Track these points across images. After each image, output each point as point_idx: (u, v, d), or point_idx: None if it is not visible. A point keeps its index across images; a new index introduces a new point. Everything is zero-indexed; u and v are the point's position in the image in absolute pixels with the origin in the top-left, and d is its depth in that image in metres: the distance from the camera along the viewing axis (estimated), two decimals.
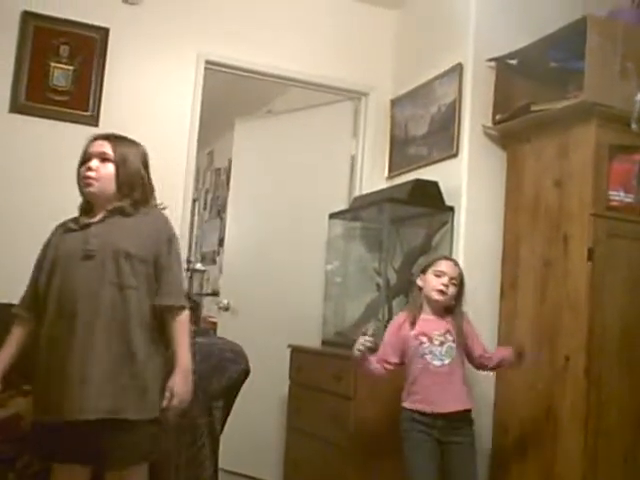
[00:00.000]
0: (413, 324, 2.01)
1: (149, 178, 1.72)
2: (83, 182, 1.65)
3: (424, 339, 1.99)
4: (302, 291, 3.10)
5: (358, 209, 2.90)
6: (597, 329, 2.11)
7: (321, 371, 2.53)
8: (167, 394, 1.57)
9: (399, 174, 2.94)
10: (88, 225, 1.64)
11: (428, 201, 2.60)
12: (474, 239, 2.50)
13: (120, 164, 1.65)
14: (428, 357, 1.98)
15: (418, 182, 2.61)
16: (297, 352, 2.77)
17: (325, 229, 3.01)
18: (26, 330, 1.67)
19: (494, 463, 2.41)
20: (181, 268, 1.73)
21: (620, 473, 2.12)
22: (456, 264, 2.08)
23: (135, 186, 1.66)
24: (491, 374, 2.37)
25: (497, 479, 2.38)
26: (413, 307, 2.06)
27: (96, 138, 1.70)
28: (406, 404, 2.01)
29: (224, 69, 2.96)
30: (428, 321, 2.02)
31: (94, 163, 1.64)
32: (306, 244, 3.12)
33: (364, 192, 3.03)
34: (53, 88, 2.62)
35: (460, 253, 2.51)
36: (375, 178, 3.06)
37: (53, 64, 2.62)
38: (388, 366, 2.03)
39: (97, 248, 1.59)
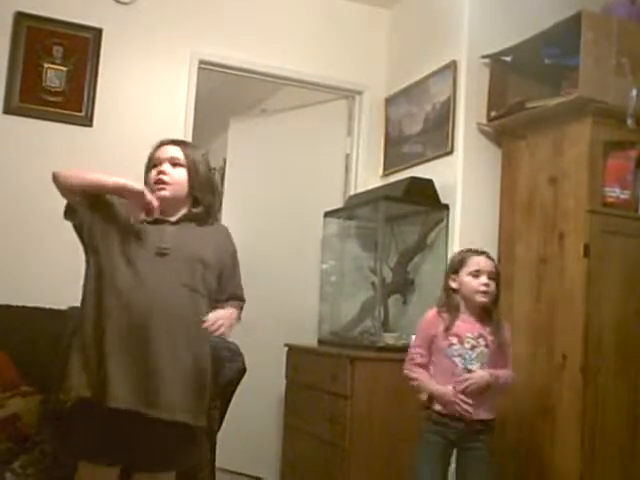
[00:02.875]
0: (448, 329, 1.86)
1: (216, 182, 1.76)
2: (156, 187, 1.64)
3: (454, 340, 1.86)
4: (298, 290, 3.09)
5: (353, 207, 2.90)
6: (593, 326, 2.11)
7: (317, 370, 2.53)
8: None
9: (394, 172, 2.94)
10: (163, 222, 1.64)
11: (423, 199, 2.60)
12: (469, 237, 2.50)
13: (192, 169, 1.67)
14: (457, 359, 1.85)
15: (413, 180, 2.60)
16: (293, 351, 2.77)
17: (320, 228, 3.00)
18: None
19: (491, 462, 2.40)
20: (240, 280, 1.81)
21: (617, 471, 2.11)
22: (489, 257, 1.93)
23: (207, 191, 1.69)
24: None
25: (494, 478, 2.38)
26: (449, 308, 1.89)
27: (164, 143, 1.71)
28: (429, 403, 1.91)
29: (218, 69, 2.95)
30: (463, 322, 1.88)
31: (166, 167, 1.65)
32: (301, 243, 3.12)
33: (359, 190, 3.03)
34: (47, 89, 2.61)
35: (455, 251, 2.49)
36: (370, 176, 3.06)
37: (46, 65, 2.61)
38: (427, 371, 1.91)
39: (171, 248, 1.59)
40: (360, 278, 2.89)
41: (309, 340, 2.86)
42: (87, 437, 1.52)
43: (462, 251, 1.98)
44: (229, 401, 2.11)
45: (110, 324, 1.52)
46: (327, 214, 2.99)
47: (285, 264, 3.14)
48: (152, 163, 1.69)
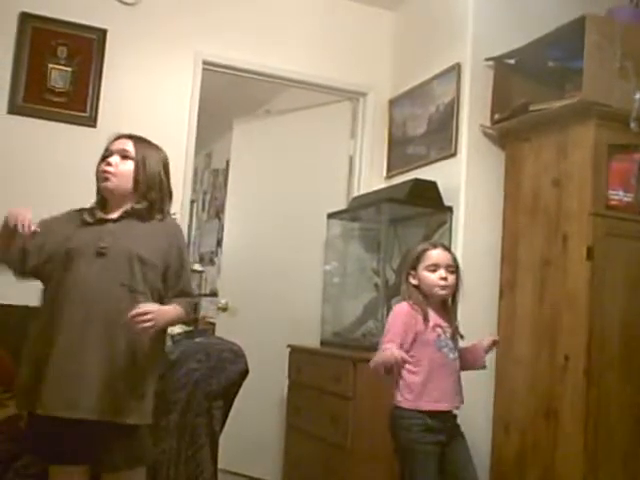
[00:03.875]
0: (426, 319, 1.80)
1: (169, 184, 1.72)
2: (101, 176, 1.65)
3: (440, 331, 1.82)
4: (300, 291, 3.09)
5: (356, 209, 2.90)
6: (596, 328, 2.11)
7: (320, 371, 2.53)
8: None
9: (397, 174, 2.94)
10: (104, 221, 1.63)
11: (426, 201, 2.60)
12: (473, 239, 2.50)
13: (140, 163, 1.65)
14: (445, 350, 1.82)
15: (416, 182, 2.60)
16: (296, 352, 2.77)
17: (323, 229, 3.00)
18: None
19: (494, 464, 2.40)
20: (190, 277, 1.75)
21: (620, 473, 2.11)
22: (445, 249, 1.89)
23: (152, 188, 1.66)
24: (492, 372, 2.37)
25: None
26: (418, 301, 1.83)
27: (119, 137, 1.70)
28: (418, 406, 1.78)
29: (222, 69, 2.96)
30: (434, 314, 1.84)
31: (114, 159, 1.65)
32: (304, 244, 3.12)
33: (362, 192, 3.03)
34: (51, 89, 2.62)
35: (459, 253, 2.49)
36: (373, 178, 3.06)
37: (51, 65, 2.62)
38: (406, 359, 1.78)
39: (110, 246, 1.58)
40: (363, 280, 2.89)
41: (312, 341, 2.86)
42: (41, 441, 1.57)
43: (418, 246, 1.92)
44: (232, 402, 2.11)
45: (49, 330, 1.55)
46: (330, 216, 2.99)
47: (288, 265, 3.14)
48: (104, 154, 1.69)
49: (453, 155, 2.59)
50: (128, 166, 1.65)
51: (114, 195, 1.66)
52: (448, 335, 1.85)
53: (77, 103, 2.65)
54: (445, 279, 1.83)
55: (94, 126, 2.68)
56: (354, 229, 3.03)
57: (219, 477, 2.05)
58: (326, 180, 3.17)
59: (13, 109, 2.57)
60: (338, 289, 2.99)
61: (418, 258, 1.86)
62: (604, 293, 2.14)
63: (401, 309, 1.85)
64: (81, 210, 1.70)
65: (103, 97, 2.69)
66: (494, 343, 1.92)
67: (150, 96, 2.78)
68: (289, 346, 2.79)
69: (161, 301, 1.63)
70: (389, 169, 3.03)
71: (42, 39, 2.61)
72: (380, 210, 2.67)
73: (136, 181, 1.64)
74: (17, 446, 1.79)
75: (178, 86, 2.83)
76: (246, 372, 2.09)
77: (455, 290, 1.87)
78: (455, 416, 1.87)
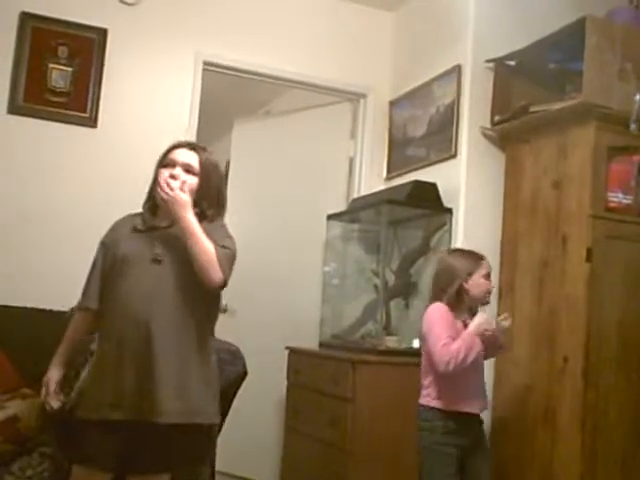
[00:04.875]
0: (466, 327, 1.89)
1: (225, 193, 1.71)
2: (162, 187, 1.60)
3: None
4: (300, 293, 3.09)
5: (356, 210, 2.90)
6: (595, 330, 2.11)
7: (319, 373, 2.52)
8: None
9: (397, 175, 2.94)
10: (155, 228, 1.63)
11: (426, 202, 2.60)
12: (472, 240, 2.49)
13: (204, 178, 1.63)
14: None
15: (416, 183, 2.60)
16: (295, 354, 2.77)
17: (323, 230, 3.00)
18: (88, 324, 1.66)
19: (493, 464, 2.39)
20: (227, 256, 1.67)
21: (618, 473, 2.11)
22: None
23: (212, 201, 1.65)
24: (491, 373, 2.38)
25: None
26: (461, 308, 1.94)
27: (180, 145, 1.67)
28: (442, 406, 1.85)
29: (222, 70, 2.96)
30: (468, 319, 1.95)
31: (178, 171, 1.62)
32: (304, 245, 3.11)
33: (362, 193, 3.03)
34: (51, 89, 2.62)
35: None
36: (373, 179, 3.06)
37: (51, 65, 2.62)
38: None
39: (164, 253, 1.58)
40: (362, 281, 2.89)
41: (311, 343, 2.85)
42: (82, 442, 1.55)
43: (469, 253, 2.01)
44: (230, 404, 2.10)
45: (111, 338, 1.56)
46: (330, 217, 2.99)
47: (287, 267, 3.14)
48: (165, 162, 1.65)
49: (453, 157, 2.59)
50: (191, 181, 1.62)
51: (164, 205, 1.63)
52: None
53: (77, 103, 2.65)
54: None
55: (94, 126, 2.68)
56: (354, 230, 3.03)
57: (217, 479, 2.05)
58: (326, 181, 3.17)
59: (13, 109, 2.57)
60: (337, 290, 2.99)
61: (476, 265, 1.96)
62: (603, 295, 2.13)
63: (439, 307, 1.93)
64: (130, 217, 1.69)
65: (103, 97, 2.69)
66: (505, 319, 1.99)
67: (150, 96, 2.78)
68: (288, 348, 2.79)
69: (214, 301, 1.65)
70: (389, 170, 3.03)
71: (42, 39, 2.61)
72: (380, 211, 2.66)
73: (199, 196, 1.62)
74: (16, 448, 1.79)
75: (178, 86, 2.83)
76: (245, 374, 2.09)
77: None
78: (481, 422, 1.91)
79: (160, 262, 1.57)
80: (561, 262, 2.22)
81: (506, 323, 1.97)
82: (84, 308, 1.66)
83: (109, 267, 1.62)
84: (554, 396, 2.17)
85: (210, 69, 2.91)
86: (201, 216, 1.62)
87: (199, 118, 2.88)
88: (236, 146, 3.53)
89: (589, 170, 2.16)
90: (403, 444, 2.29)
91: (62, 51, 2.64)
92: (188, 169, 1.63)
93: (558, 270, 2.23)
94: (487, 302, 1.98)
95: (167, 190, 1.56)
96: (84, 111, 2.67)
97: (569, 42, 2.24)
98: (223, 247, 1.59)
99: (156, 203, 1.66)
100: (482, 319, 1.88)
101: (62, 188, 2.62)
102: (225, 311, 3.29)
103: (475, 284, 1.94)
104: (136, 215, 1.69)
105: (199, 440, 1.60)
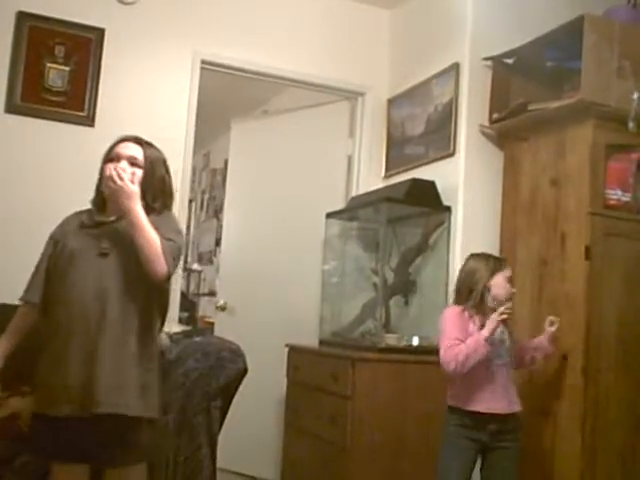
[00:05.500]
0: (483, 326, 1.89)
1: (171, 185, 1.72)
2: (107, 181, 1.62)
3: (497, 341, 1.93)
4: (299, 291, 3.09)
5: (355, 209, 2.90)
6: (594, 328, 2.12)
7: (318, 370, 2.53)
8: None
9: (396, 174, 2.94)
10: (102, 223, 1.65)
11: (425, 201, 2.60)
12: (471, 238, 2.50)
13: (149, 171, 1.65)
14: (491, 355, 1.90)
15: (415, 182, 2.61)
16: (294, 351, 2.77)
17: (322, 229, 3.00)
18: (32, 318, 1.68)
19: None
20: (172, 248, 1.65)
21: (618, 470, 2.12)
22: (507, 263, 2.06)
23: (157, 193, 1.67)
24: None
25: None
26: (482, 308, 1.94)
27: (126, 139, 1.69)
28: (457, 404, 1.92)
29: (220, 69, 2.95)
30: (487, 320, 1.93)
31: (123, 164, 1.63)
32: (303, 244, 3.12)
33: (361, 192, 3.03)
34: (48, 89, 2.61)
35: (457, 252, 2.51)
36: (372, 178, 3.06)
37: (49, 64, 2.61)
38: None
39: (111, 246, 1.59)
40: (362, 279, 2.89)
41: (310, 341, 2.86)
42: (45, 439, 1.57)
43: (493, 256, 2.05)
44: (230, 401, 2.11)
45: (58, 332, 1.57)
46: (329, 215, 2.99)
47: (286, 265, 3.14)
48: (110, 156, 1.67)
49: (451, 155, 2.60)
50: (137, 174, 1.64)
51: (112, 197, 1.65)
52: (497, 340, 1.93)
53: (75, 102, 2.64)
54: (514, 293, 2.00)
55: (92, 125, 2.67)
56: (352, 229, 3.03)
57: (218, 476, 2.05)
58: (324, 180, 3.17)
59: (10, 108, 2.56)
60: (337, 289, 2.99)
61: (500, 266, 1.99)
62: (602, 292, 2.14)
63: (452, 310, 1.99)
64: (77, 214, 1.71)
65: (101, 96, 2.69)
66: (551, 323, 2.04)
67: (148, 95, 2.77)
68: (287, 345, 2.79)
69: (162, 295, 1.66)
70: (387, 169, 3.03)
71: (39, 38, 2.60)
72: (378, 210, 2.67)
73: (143, 189, 1.63)
74: (16, 445, 1.79)
75: (176, 85, 2.83)
76: (245, 371, 2.09)
77: None
78: (506, 421, 1.91)
79: (106, 256, 1.58)
80: (560, 260, 2.23)
81: (553, 329, 2.03)
82: (26, 302, 1.68)
83: (56, 262, 1.64)
84: (554, 393, 2.18)
85: (208, 68, 2.91)
86: (148, 209, 1.63)
87: (197, 118, 2.87)
88: (234, 145, 3.53)
89: (587, 168, 2.16)
90: (402, 441, 2.30)
91: (59, 50, 2.63)
92: (133, 162, 1.65)
93: (557, 268, 2.24)
94: (509, 307, 1.91)
95: (116, 179, 1.57)
96: (82, 110, 2.66)
97: (567, 40, 2.24)
98: (168, 240, 1.59)
99: (103, 198, 1.68)
100: (492, 321, 1.88)
101: (60, 187, 2.62)
102: (224, 310, 3.30)
103: (497, 284, 1.96)
104: (83, 212, 1.72)
105: (149, 432, 1.60)
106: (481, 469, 1.94)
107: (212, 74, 2.95)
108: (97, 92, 2.68)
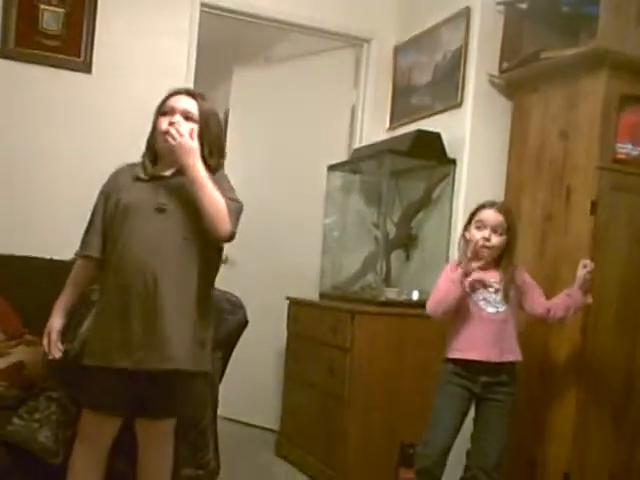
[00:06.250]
0: (467, 276, 1.86)
1: (224, 144, 1.68)
2: (161, 135, 1.57)
3: (478, 285, 1.89)
4: (300, 243, 3.08)
5: (357, 161, 2.85)
6: (596, 284, 2.08)
7: (318, 323, 2.54)
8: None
9: (401, 125, 2.87)
10: (158, 177, 1.60)
11: (429, 153, 2.54)
12: (475, 192, 2.45)
13: (204, 126, 1.60)
14: (482, 304, 1.89)
15: (420, 133, 2.54)
16: (295, 304, 2.78)
17: (324, 181, 2.96)
18: (91, 272, 1.64)
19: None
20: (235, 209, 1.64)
21: (610, 429, 2.14)
22: (499, 211, 1.91)
23: (213, 150, 1.62)
24: None
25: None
26: (463, 259, 1.88)
27: (178, 92, 1.63)
28: (450, 355, 1.92)
29: (220, 12, 2.84)
30: (482, 269, 1.90)
31: (177, 118, 1.57)
32: (304, 196, 3.08)
33: (364, 143, 2.97)
34: (43, 32, 2.52)
35: (460, 206, 2.47)
36: (376, 129, 2.98)
37: (43, 6, 2.52)
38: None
39: (168, 202, 1.55)
40: (363, 233, 2.87)
41: (311, 294, 2.87)
42: (90, 387, 1.57)
43: (478, 204, 1.97)
44: (231, 352, 2.13)
45: (115, 288, 1.55)
46: (331, 167, 2.94)
47: (288, 217, 3.12)
48: (163, 110, 1.61)
49: (458, 105, 2.52)
50: (191, 127, 1.58)
51: (172, 155, 1.58)
52: (492, 290, 1.89)
53: (71, 47, 2.56)
54: (487, 239, 1.87)
55: (89, 72, 2.60)
56: (355, 181, 2.98)
57: (218, 424, 2.09)
58: (327, 131, 3.10)
59: (4, 53, 2.49)
60: (338, 242, 2.98)
61: (473, 214, 1.93)
62: (606, 249, 2.11)
63: (448, 266, 1.96)
64: (130, 166, 1.65)
65: (98, 42, 2.60)
66: (584, 266, 1.93)
67: (147, 41, 2.68)
68: (288, 298, 2.80)
69: (217, 253, 1.65)
70: (392, 120, 2.95)
71: None
72: (381, 162, 2.61)
73: (200, 145, 1.57)
74: (23, 393, 1.82)
75: (176, 30, 2.73)
76: (245, 323, 2.10)
77: (504, 253, 1.91)
78: (499, 371, 1.89)
79: (164, 211, 1.54)
80: (565, 214, 2.19)
81: (585, 272, 1.90)
82: (84, 256, 1.64)
83: (110, 217, 1.60)
84: (552, 350, 2.18)
85: (208, 11, 2.80)
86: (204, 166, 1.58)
87: (197, 65, 2.78)
88: (235, 93, 3.44)
89: (598, 120, 2.09)
90: (399, 393, 2.34)
91: None
92: (187, 116, 1.59)
93: (561, 222, 2.20)
94: (481, 253, 1.87)
95: (175, 135, 1.52)
96: (78, 56, 2.58)
97: None
98: (232, 199, 1.58)
99: (156, 152, 1.62)
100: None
101: (57, 135, 2.57)
102: (226, 262, 3.30)
103: (470, 234, 1.91)
104: (135, 165, 1.65)
105: (201, 386, 1.62)
106: (474, 419, 1.95)
107: (213, 19, 2.84)
108: (93, 37, 2.59)
